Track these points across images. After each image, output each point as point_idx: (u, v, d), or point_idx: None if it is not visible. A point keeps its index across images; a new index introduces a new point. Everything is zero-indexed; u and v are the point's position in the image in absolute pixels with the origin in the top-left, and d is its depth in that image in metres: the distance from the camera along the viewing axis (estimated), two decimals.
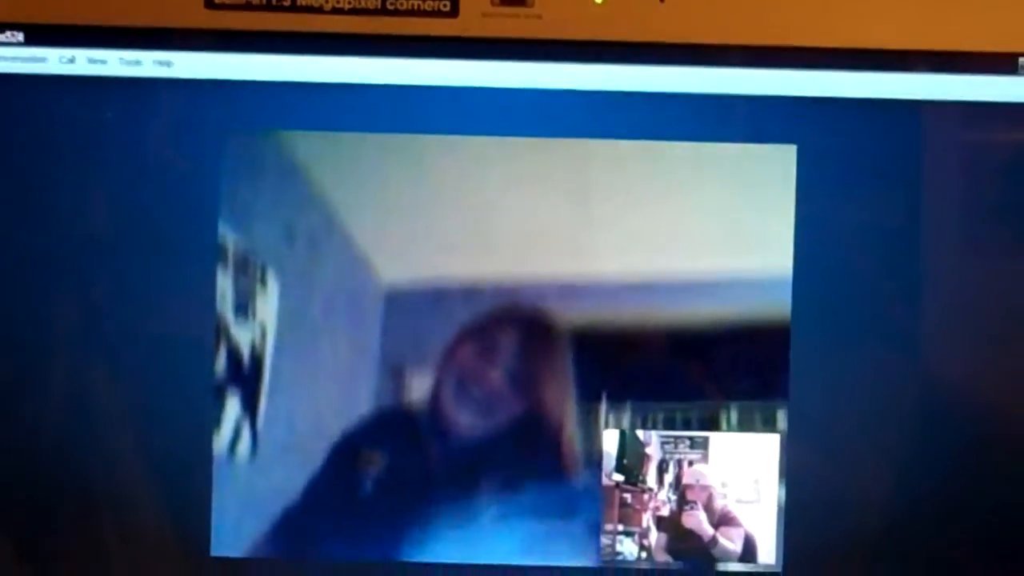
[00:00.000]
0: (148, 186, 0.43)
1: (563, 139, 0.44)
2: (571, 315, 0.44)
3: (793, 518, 0.44)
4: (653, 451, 0.44)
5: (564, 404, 0.44)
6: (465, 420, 0.44)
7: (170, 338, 0.44)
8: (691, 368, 0.44)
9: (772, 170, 0.44)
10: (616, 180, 0.44)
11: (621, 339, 0.44)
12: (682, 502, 0.45)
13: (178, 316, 0.44)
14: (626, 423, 0.44)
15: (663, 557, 0.45)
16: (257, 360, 0.44)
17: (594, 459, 0.44)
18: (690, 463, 0.44)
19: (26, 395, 0.44)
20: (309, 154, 0.44)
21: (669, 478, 0.45)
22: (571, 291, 0.44)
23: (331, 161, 0.44)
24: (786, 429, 0.44)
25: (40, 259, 0.43)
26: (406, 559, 0.44)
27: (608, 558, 0.44)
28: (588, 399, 0.44)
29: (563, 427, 0.44)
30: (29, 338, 0.44)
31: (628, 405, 0.44)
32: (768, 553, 0.44)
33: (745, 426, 0.44)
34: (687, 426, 0.44)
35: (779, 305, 0.44)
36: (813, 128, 0.44)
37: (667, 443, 0.44)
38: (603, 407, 0.44)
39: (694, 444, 0.44)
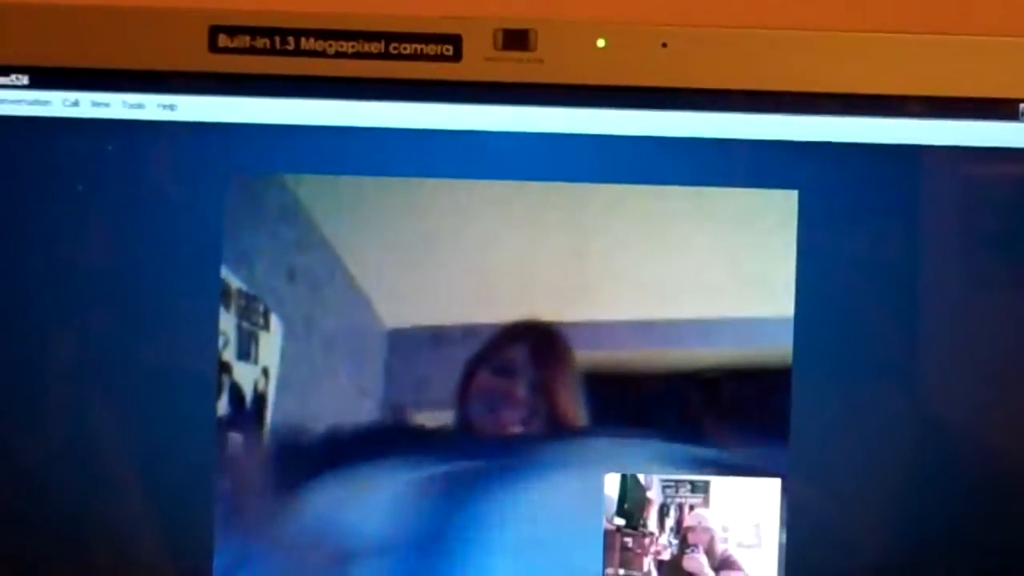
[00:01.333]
0: (151, 228, 0.43)
1: (564, 183, 0.44)
2: (570, 359, 0.44)
3: (794, 563, 0.44)
4: (654, 495, 0.44)
5: (564, 448, 0.44)
6: (467, 464, 0.44)
7: (172, 379, 0.44)
8: (692, 412, 0.44)
9: (773, 214, 0.44)
10: (617, 224, 0.44)
11: (621, 382, 0.44)
12: (683, 546, 0.44)
13: (180, 357, 0.44)
14: (627, 467, 0.44)
15: None
16: (260, 400, 0.44)
17: (595, 503, 0.44)
18: (691, 507, 0.44)
19: (27, 435, 0.44)
20: (311, 197, 0.44)
21: (670, 522, 0.44)
22: (571, 335, 0.44)
23: (333, 204, 0.44)
24: (787, 473, 0.44)
25: (41, 301, 0.43)
26: None
27: None
28: (588, 443, 0.44)
29: (563, 471, 0.44)
30: (31, 379, 0.44)
31: (629, 449, 0.44)
32: None
33: (746, 470, 0.44)
34: (688, 470, 0.44)
35: (781, 348, 0.44)
36: (814, 173, 0.44)
37: (668, 487, 0.44)
38: (604, 451, 0.44)
39: (695, 488, 0.44)
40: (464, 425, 0.44)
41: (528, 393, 0.44)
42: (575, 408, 0.44)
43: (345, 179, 0.44)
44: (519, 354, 0.44)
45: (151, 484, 0.44)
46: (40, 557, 0.44)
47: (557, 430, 0.44)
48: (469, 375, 0.44)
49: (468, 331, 0.44)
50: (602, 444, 0.44)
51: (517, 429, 0.44)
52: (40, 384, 0.44)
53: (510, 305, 0.44)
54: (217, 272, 0.43)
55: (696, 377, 0.44)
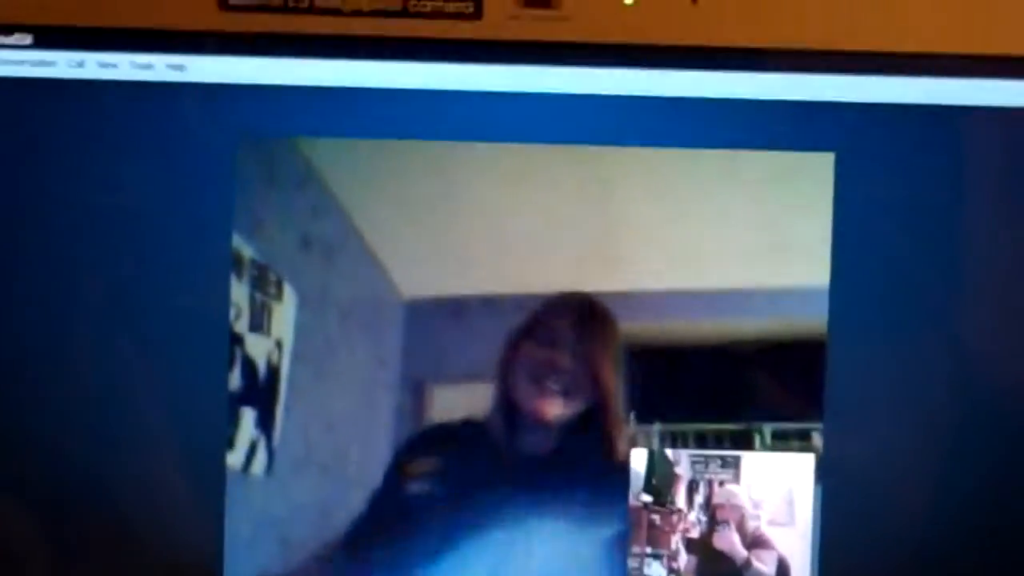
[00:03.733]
0: (159, 194, 0.42)
1: (590, 146, 0.42)
2: (596, 330, 0.43)
3: (829, 542, 0.42)
4: (683, 471, 0.43)
5: (589, 423, 0.43)
6: (488, 438, 0.43)
7: (183, 352, 0.42)
8: (723, 384, 0.42)
9: (809, 178, 0.42)
10: (646, 189, 0.42)
11: (649, 354, 0.42)
12: (713, 522, 0.43)
13: (191, 328, 0.42)
14: (655, 442, 0.42)
15: None
16: (273, 373, 0.42)
17: (621, 479, 0.43)
18: (721, 483, 0.43)
19: (36, 408, 0.42)
20: (326, 161, 0.42)
21: (699, 499, 0.43)
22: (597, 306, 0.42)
23: (348, 168, 0.42)
24: (822, 449, 0.42)
25: (47, 268, 0.42)
26: None
27: None
28: (615, 415, 0.42)
29: (589, 447, 0.43)
30: (38, 350, 0.42)
31: (657, 423, 0.43)
32: None
33: (779, 445, 0.42)
34: (718, 445, 0.43)
35: (816, 319, 0.42)
36: (852, 135, 0.42)
37: (697, 463, 0.43)
38: (631, 425, 0.42)
39: (725, 464, 0.43)
40: (499, 399, 0.42)
41: (552, 365, 0.42)
42: (600, 381, 0.42)
43: (361, 142, 0.42)
44: (544, 325, 0.42)
45: (162, 457, 0.42)
46: (44, 534, 0.43)
47: (580, 405, 0.43)
48: (490, 348, 0.42)
49: (489, 302, 0.42)
50: (628, 419, 0.42)
51: (539, 403, 0.43)
52: (46, 354, 0.42)
53: (532, 274, 0.42)
54: (228, 240, 0.42)
55: (726, 349, 0.42)
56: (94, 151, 0.42)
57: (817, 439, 0.42)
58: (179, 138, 0.42)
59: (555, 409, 0.42)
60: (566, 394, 0.42)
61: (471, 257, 0.42)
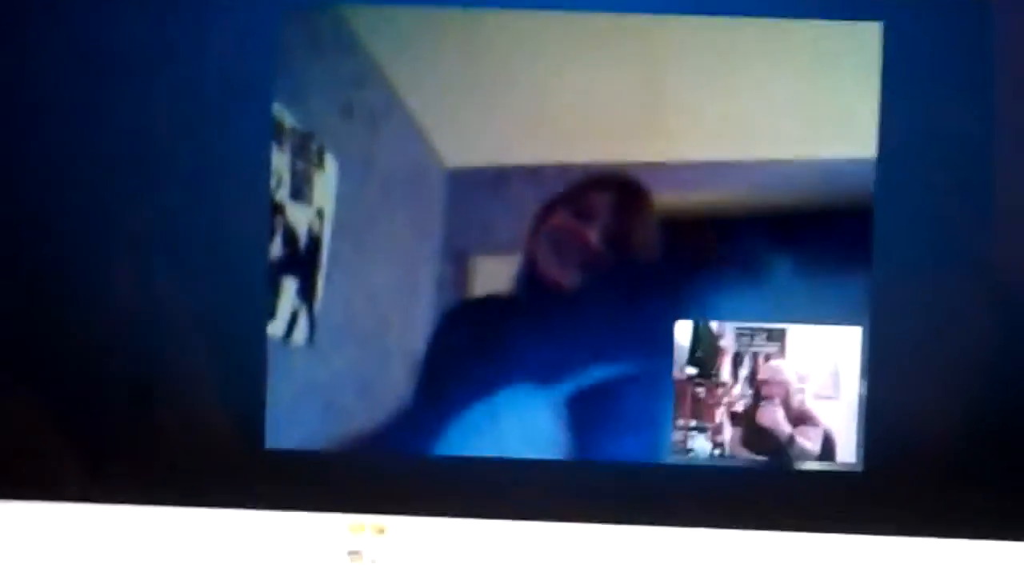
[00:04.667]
0: (204, 62, 0.42)
1: (631, 15, 0.42)
2: (642, 202, 0.42)
3: (874, 415, 0.42)
4: (728, 343, 0.42)
5: (630, 294, 0.42)
6: (530, 309, 0.42)
7: (224, 220, 0.42)
8: (770, 254, 0.42)
9: (856, 49, 0.42)
10: (688, 59, 0.42)
11: (695, 226, 0.42)
12: (758, 398, 0.42)
13: (233, 197, 0.42)
14: (699, 313, 0.42)
15: (738, 453, 0.42)
16: (314, 243, 0.42)
17: (666, 351, 0.42)
18: (767, 357, 0.42)
19: (81, 281, 0.42)
20: (368, 29, 0.42)
21: (744, 372, 0.42)
22: (642, 177, 0.42)
23: (391, 37, 0.42)
24: (869, 322, 0.42)
25: (91, 145, 0.42)
26: (466, 453, 0.42)
27: (680, 454, 0.42)
28: (661, 287, 0.42)
29: (633, 316, 0.42)
30: (85, 223, 0.42)
31: (701, 295, 0.42)
32: (848, 451, 0.42)
33: (826, 318, 0.42)
34: (764, 317, 0.42)
35: (862, 190, 0.42)
36: (899, 5, 0.41)
37: (743, 335, 0.42)
38: (674, 297, 0.42)
39: (771, 337, 0.42)
40: (531, 269, 0.42)
41: (598, 237, 0.42)
42: (646, 252, 0.42)
43: (406, 11, 0.42)
44: (588, 196, 0.42)
45: (205, 326, 0.42)
46: (90, 402, 0.43)
47: (628, 275, 0.42)
48: (535, 217, 0.42)
49: (531, 172, 0.42)
50: (674, 289, 0.42)
51: (586, 274, 0.42)
52: (92, 227, 0.42)
53: (577, 145, 0.42)
54: (269, 108, 0.42)
55: (773, 220, 0.42)
56: (138, 26, 0.42)
57: (864, 311, 0.42)
58: (224, 7, 0.41)
59: (582, 285, 0.42)
60: (595, 270, 0.42)
61: (514, 127, 0.42)
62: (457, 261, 0.42)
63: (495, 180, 0.42)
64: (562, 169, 0.42)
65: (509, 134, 0.42)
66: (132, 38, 0.42)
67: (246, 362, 0.42)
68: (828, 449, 0.42)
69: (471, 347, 0.42)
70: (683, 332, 0.42)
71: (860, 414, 0.42)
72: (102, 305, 0.42)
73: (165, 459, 0.43)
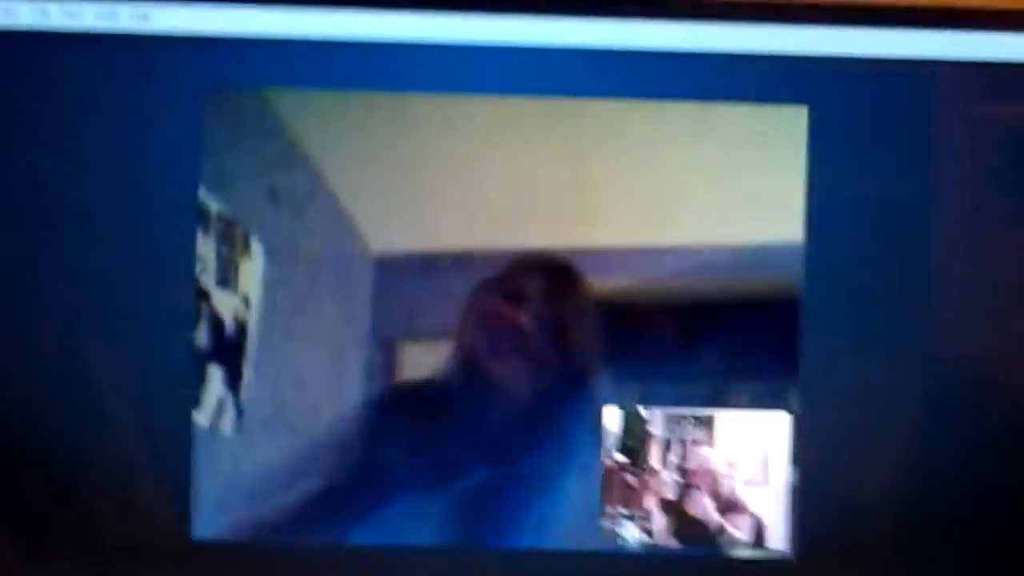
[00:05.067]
0: (125, 147, 0.41)
1: (559, 98, 0.42)
2: (567, 288, 0.42)
3: (804, 501, 0.42)
4: (657, 430, 0.42)
5: (560, 380, 0.42)
6: (458, 396, 0.42)
7: (149, 307, 0.42)
8: (696, 342, 0.42)
9: (782, 132, 0.42)
10: (616, 142, 0.42)
11: (621, 310, 0.42)
12: (686, 488, 0.42)
13: (157, 284, 0.42)
14: (628, 400, 0.42)
15: (668, 542, 0.42)
16: (240, 330, 0.42)
17: (593, 438, 0.42)
18: (695, 442, 0.42)
19: (1, 360, 0.42)
20: (293, 112, 0.41)
21: (674, 459, 0.42)
22: (572, 260, 0.42)
23: (316, 120, 0.42)
24: (797, 407, 0.42)
25: (10, 223, 0.41)
26: (397, 542, 0.42)
27: (609, 542, 0.42)
28: (586, 375, 0.42)
29: (560, 404, 0.42)
30: (4, 306, 0.41)
31: (629, 381, 0.42)
32: (778, 538, 0.42)
33: (754, 404, 0.42)
34: (692, 403, 0.42)
35: (790, 275, 0.41)
36: (825, 88, 0.42)
37: (672, 421, 0.42)
38: (603, 383, 0.42)
39: (699, 423, 0.42)
40: (458, 356, 0.42)
41: (525, 322, 0.42)
42: (572, 339, 0.42)
43: (329, 94, 0.41)
44: (515, 282, 0.42)
45: (125, 415, 0.42)
46: (12, 494, 0.42)
47: (554, 362, 0.42)
48: (459, 304, 0.42)
49: (460, 258, 0.42)
50: (600, 377, 0.42)
51: (513, 360, 0.42)
52: (10, 310, 0.41)
53: (503, 229, 0.42)
54: (194, 192, 0.41)
55: (700, 306, 0.42)
56: (58, 103, 0.41)
57: (792, 397, 0.42)
58: (144, 89, 0.41)
59: (513, 370, 0.42)
60: (527, 354, 0.42)
61: (442, 212, 0.42)
62: (385, 347, 0.42)
63: (423, 266, 0.42)
64: (490, 254, 0.42)
65: (437, 218, 0.42)
66: (55, 121, 0.41)
67: (172, 452, 0.42)
68: (759, 536, 0.42)
69: (398, 435, 0.42)
70: (612, 418, 0.42)
71: (790, 500, 0.42)
72: (24, 386, 0.42)
73: (94, 545, 0.42)
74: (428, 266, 0.42)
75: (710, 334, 0.42)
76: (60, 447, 0.42)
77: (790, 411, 0.42)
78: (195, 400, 0.42)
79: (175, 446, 0.42)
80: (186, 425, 0.42)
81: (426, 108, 0.41)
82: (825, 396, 0.42)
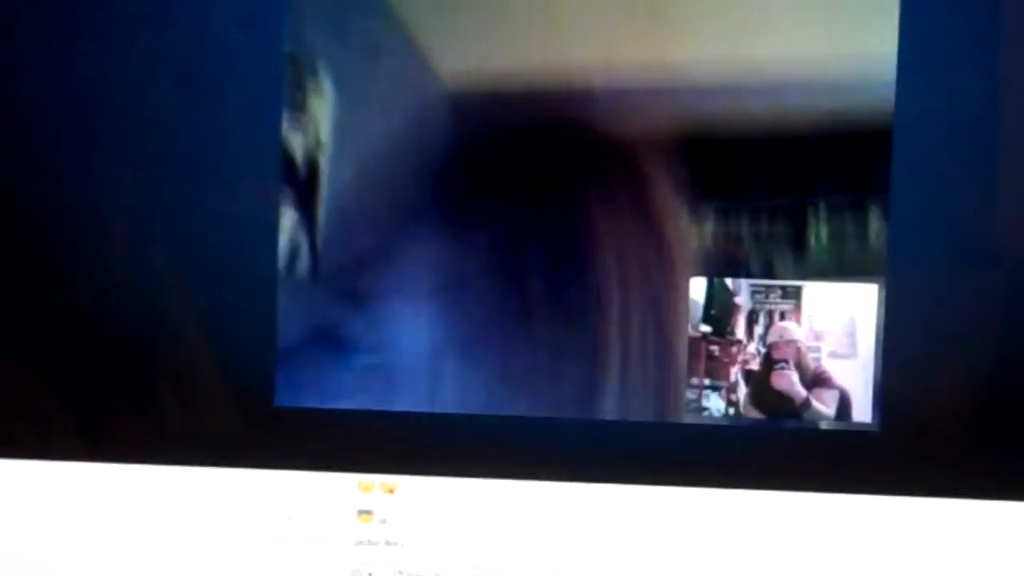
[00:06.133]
0: None
1: None
2: (649, 122, 0.40)
3: (892, 374, 0.41)
4: (742, 300, 0.41)
5: (647, 249, 0.41)
6: (535, 249, 0.41)
7: (228, 151, 0.41)
8: (784, 187, 0.40)
9: None
10: None
11: (703, 140, 0.40)
12: (771, 362, 0.41)
13: (236, 125, 0.40)
14: (714, 270, 0.41)
15: (752, 413, 0.42)
16: (313, 171, 0.41)
17: (679, 308, 0.41)
18: (782, 315, 0.41)
19: (81, 223, 0.41)
20: None
21: (759, 330, 0.41)
22: (649, 92, 0.40)
23: None
24: (885, 278, 0.41)
25: (95, 71, 0.40)
26: (475, 411, 0.41)
27: (693, 413, 0.41)
28: (671, 243, 0.41)
29: (646, 273, 0.41)
30: (84, 163, 0.41)
31: (716, 250, 0.41)
32: (863, 410, 0.41)
33: (841, 273, 0.41)
34: (779, 275, 0.41)
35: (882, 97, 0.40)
36: None
37: (757, 292, 0.41)
38: (688, 252, 0.41)
39: (786, 293, 0.41)
40: (533, 194, 0.40)
41: (604, 163, 0.40)
42: (656, 191, 0.40)
43: None
44: (593, 115, 0.40)
45: (208, 265, 0.41)
46: (95, 358, 0.41)
47: (641, 232, 0.41)
48: (538, 139, 0.40)
49: (535, 91, 0.40)
50: (686, 247, 0.41)
51: (591, 202, 0.41)
52: (92, 162, 0.41)
53: (579, 60, 0.40)
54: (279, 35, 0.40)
55: (789, 138, 0.40)
56: None
57: (880, 266, 0.41)
58: None
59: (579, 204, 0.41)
60: (594, 193, 0.40)
61: (515, 42, 0.40)
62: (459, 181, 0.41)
63: (496, 100, 0.40)
64: (563, 85, 0.40)
65: (511, 51, 0.40)
66: None
67: (254, 298, 0.41)
68: (844, 408, 0.42)
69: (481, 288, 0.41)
70: (697, 289, 0.41)
71: (876, 373, 0.41)
72: (98, 252, 0.41)
73: (170, 416, 0.42)
74: (503, 100, 0.40)
75: (798, 168, 0.40)
76: (136, 312, 0.41)
77: (878, 282, 0.41)
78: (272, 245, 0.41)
79: (258, 292, 0.41)
80: (269, 270, 0.41)
81: None
82: (915, 266, 0.41)
